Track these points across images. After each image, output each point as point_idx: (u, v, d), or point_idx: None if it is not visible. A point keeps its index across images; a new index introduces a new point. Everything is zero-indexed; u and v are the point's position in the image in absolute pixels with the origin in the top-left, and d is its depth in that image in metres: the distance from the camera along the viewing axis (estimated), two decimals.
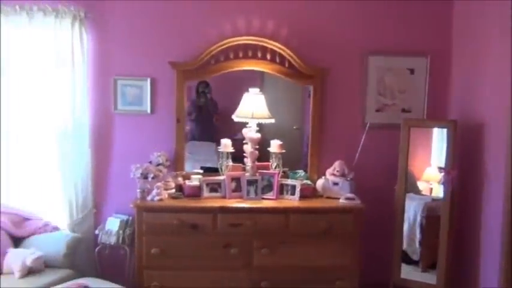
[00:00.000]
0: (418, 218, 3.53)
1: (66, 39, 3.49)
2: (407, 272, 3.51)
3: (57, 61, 3.50)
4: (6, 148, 3.56)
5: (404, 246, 3.54)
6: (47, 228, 3.49)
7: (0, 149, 3.54)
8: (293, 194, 3.44)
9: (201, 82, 3.85)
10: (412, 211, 3.55)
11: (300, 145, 3.95)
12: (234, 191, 3.45)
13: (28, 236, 3.41)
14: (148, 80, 3.65)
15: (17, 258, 3.12)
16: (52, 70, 3.51)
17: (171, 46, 3.62)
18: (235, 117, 3.57)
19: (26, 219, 3.49)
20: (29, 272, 3.10)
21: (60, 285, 2.93)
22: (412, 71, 3.77)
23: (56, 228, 3.53)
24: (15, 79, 3.53)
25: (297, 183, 3.46)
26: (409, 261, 3.55)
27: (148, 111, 3.68)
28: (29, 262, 3.09)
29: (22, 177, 3.65)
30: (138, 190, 3.35)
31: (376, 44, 3.71)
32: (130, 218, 3.50)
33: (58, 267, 3.22)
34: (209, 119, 3.99)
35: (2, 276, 3.08)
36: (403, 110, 3.78)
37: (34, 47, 3.51)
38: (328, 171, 3.58)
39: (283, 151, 3.57)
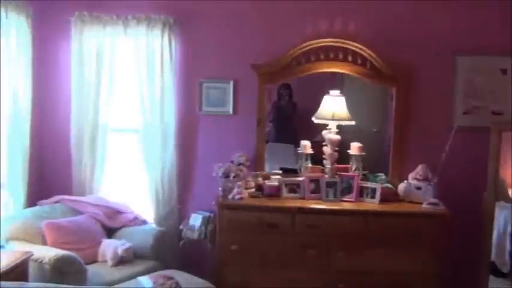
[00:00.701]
0: (509, 228, 3.31)
1: (157, 45, 3.72)
2: (495, 285, 3.30)
3: (148, 65, 3.74)
4: (102, 147, 3.86)
5: (493, 257, 3.34)
6: (136, 221, 3.74)
7: (96, 149, 3.84)
8: (373, 197, 3.39)
9: (283, 84, 3.90)
10: (502, 220, 3.33)
11: (381, 148, 3.87)
12: (312, 192, 3.47)
13: (120, 228, 3.67)
14: (231, 82, 3.78)
15: (110, 247, 3.37)
16: (143, 74, 3.75)
17: (253, 49, 3.73)
18: (315, 119, 3.59)
19: (119, 212, 3.76)
20: (120, 261, 3.33)
21: (147, 275, 3.12)
22: (504, 71, 3.55)
23: (144, 222, 3.78)
24: (112, 82, 3.82)
25: (378, 186, 3.40)
26: (497, 273, 3.34)
27: (231, 112, 3.81)
28: (120, 252, 3.33)
29: (115, 174, 3.95)
30: (220, 188, 3.47)
31: (464, 43, 3.55)
32: (212, 214, 3.63)
33: (145, 258, 3.44)
34: (289, 121, 4.04)
35: (97, 263, 3.34)
36: (494, 113, 3.57)
37: (128, 53, 3.77)
38: (411, 175, 3.48)
39: (363, 153, 3.52)
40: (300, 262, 3.27)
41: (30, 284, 2.21)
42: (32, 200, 3.63)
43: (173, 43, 3.74)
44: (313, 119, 3.61)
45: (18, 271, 2.75)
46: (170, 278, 3.07)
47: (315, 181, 3.48)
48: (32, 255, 2.92)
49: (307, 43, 3.59)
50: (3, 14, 3.25)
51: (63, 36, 3.79)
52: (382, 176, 3.59)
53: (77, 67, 3.77)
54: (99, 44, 3.76)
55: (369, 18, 3.63)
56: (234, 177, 3.48)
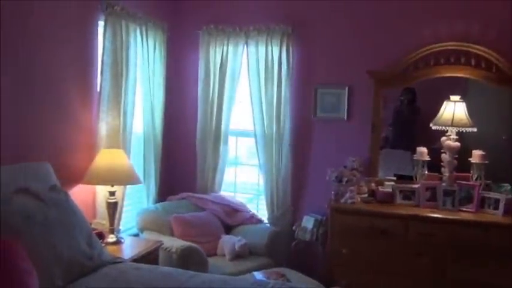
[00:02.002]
0: None
1: (275, 54, 3.92)
2: None
3: (266, 73, 3.95)
4: (223, 150, 4.17)
5: None
6: (252, 220, 3.98)
7: (218, 152, 4.15)
8: (496, 208, 3.19)
9: (406, 88, 3.79)
10: None
11: (509, 156, 3.61)
12: (428, 200, 3.37)
13: (237, 225, 3.93)
14: (346, 88, 3.84)
15: (228, 243, 3.63)
16: (262, 81, 3.97)
17: (368, 55, 3.74)
18: (433, 125, 3.49)
19: (237, 210, 4.02)
20: (237, 256, 3.57)
21: (261, 271, 3.31)
22: None
23: (259, 221, 4.00)
24: (233, 90, 4.11)
25: (502, 197, 3.19)
26: None
27: (345, 117, 3.86)
28: (237, 247, 3.56)
29: (234, 175, 4.24)
30: (333, 192, 3.54)
31: None
32: (324, 218, 3.70)
33: (259, 254, 3.64)
34: (410, 126, 3.93)
35: (216, 257, 3.62)
36: None
37: (249, 62, 4.03)
38: None
39: (486, 162, 3.33)
40: (412, 270, 3.20)
41: (162, 267, 2.51)
42: (162, 196, 4.04)
43: (291, 51, 3.91)
44: (431, 125, 3.50)
45: (151, 257, 3.10)
46: (282, 275, 3.22)
47: (431, 189, 3.38)
48: (162, 244, 3.27)
49: (427, 47, 3.51)
50: (143, 33, 3.70)
51: (192, 49, 4.18)
52: (507, 186, 3.35)
53: (203, 77, 4.13)
54: (223, 55, 4.07)
55: (493, 19, 3.42)
56: (346, 181, 3.52)
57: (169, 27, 4.03)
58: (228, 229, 3.90)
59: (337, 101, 3.89)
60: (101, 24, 3.34)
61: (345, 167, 3.64)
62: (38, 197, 2.20)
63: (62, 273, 2.04)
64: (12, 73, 2.66)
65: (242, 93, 4.16)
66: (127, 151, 3.48)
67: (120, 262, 2.44)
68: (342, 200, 3.48)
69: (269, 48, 3.94)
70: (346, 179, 3.53)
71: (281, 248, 3.78)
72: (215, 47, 4.09)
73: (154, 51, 3.87)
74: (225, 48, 4.08)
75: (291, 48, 3.91)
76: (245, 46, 4.02)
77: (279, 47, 3.91)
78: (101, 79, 3.31)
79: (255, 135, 4.03)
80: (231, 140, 4.27)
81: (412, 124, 3.91)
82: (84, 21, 3.23)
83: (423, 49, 3.52)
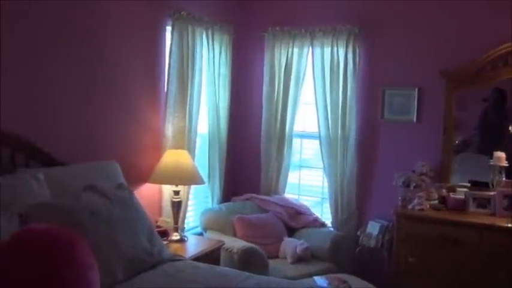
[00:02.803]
0: None
1: (341, 55, 3.83)
2: None
3: (331, 74, 3.87)
4: (287, 152, 4.15)
5: None
6: (315, 223, 3.91)
7: (282, 154, 4.14)
8: None
9: (495, 89, 3.48)
10: None
11: None
12: (505, 209, 3.13)
13: (300, 228, 3.88)
14: (416, 89, 3.66)
15: (290, 245, 3.59)
16: (327, 83, 3.90)
17: (440, 54, 3.55)
18: None
19: (300, 213, 3.98)
20: (298, 259, 3.52)
21: (322, 276, 3.24)
22: None
23: (323, 225, 3.93)
24: (298, 92, 4.08)
25: None
26: None
27: (414, 120, 3.69)
28: (299, 250, 3.52)
29: (298, 177, 4.20)
30: (400, 198, 3.40)
31: None
32: (390, 224, 3.56)
33: (321, 259, 3.57)
34: (498, 130, 3.60)
35: (277, 259, 3.60)
36: None
37: (314, 63, 3.98)
38: None
39: None
40: (485, 284, 2.98)
41: (219, 267, 2.54)
42: (226, 196, 4.10)
43: (357, 52, 3.80)
44: (510, 128, 3.25)
45: (213, 257, 3.15)
46: (344, 282, 3.14)
47: (509, 197, 3.13)
48: (224, 244, 3.31)
49: (505, 45, 3.26)
50: (209, 36, 3.78)
51: (257, 51, 4.20)
52: None
53: (268, 78, 4.13)
54: (288, 56, 4.05)
55: None
56: (415, 187, 3.37)
57: (235, 29, 4.08)
58: (291, 231, 3.87)
59: (406, 103, 3.73)
60: (168, 29, 3.46)
61: (414, 171, 3.48)
62: (105, 194, 2.31)
63: (123, 268, 2.12)
64: (86, 78, 2.83)
65: (307, 95, 4.11)
66: (192, 152, 3.57)
67: (179, 260, 2.49)
68: (410, 206, 3.33)
69: (335, 49, 3.86)
70: (414, 184, 3.37)
71: (344, 254, 3.69)
72: (280, 48, 4.09)
73: (220, 54, 3.94)
74: (290, 49, 4.06)
75: (357, 48, 3.80)
76: (310, 47, 3.98)
77: (344, 48, 3.82)
78: (167, 82, 3.42)
79: (320, 138, 3.97)
80: (296, 142, 4.24)
81: (499, 127, 3.59)
82: (152, 27, 3.36)
83: (501, 47, 3.28)
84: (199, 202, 4.06)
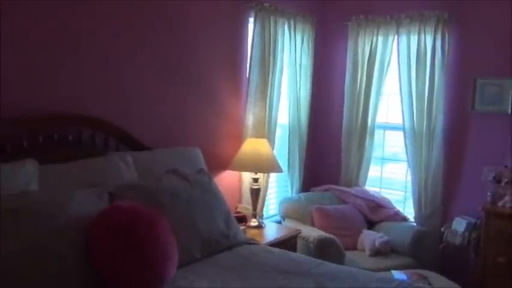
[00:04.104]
0: None
1: (428, 42, 3.66)
2: None
3: (417, 63, 3.72)
4: (369, 144, 4.07)
5: None
6: (396, 217, 3.80)
7: (364, 145, 4.06)
8: None
9: None
10: None
11: None
12: None
13: (379, 221, 3.80)
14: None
15: (369, 238, 3.53)
16: (413, 72, 3.74)
17: None
18: None
19: (380, 206, 3.89)
20: (377, 252, 3.46)
21: (401, 271, 3.15)
22: None
23: (404, 219, 3.80)
24: (381, 81, 3.97)
25: None
26: None
27: (509, 111, 3.43)
28: (377, 244, 3.45)
29: (380, 169, 4.10)
30: (489, 194, 3.20)
31: None
32: (478, 221, 3.36)
33: (402, 254, 3.47)
34: None
35: (355, 251, 3.56)
36: None
37: (399, 52, 3.84)
38: None
39: None
40: None
41: (292, 253, 2.56)
42: (306, 186, 4.12)
43: (446, 39, 3.61)
44: None
45: (289, 244, 3.19)
46: (424, 278, 3.03)
47: None
48: (300, 232, 3.34)
49: None
50: (291, 27, 3.80)
51: (340, 41, 4.15)
52: None
53: (351, 69, 4.07)
54: (372, 46, 3.96)
55: None
56: (506, 182, 3.15)
57: (317, 20, 4.06)
58: (370, 224, 3.80)
59: (499, 93, 3.48)
60: (250, 20, 3.54)
61: (506, 166, 3.25)
62: (185, 178, 2.45)
63: (200, 248, 2.24)
64: (171, 69, 3.00)
65: (391, 85, 3.99)
66: (271, 141, 3.64)
67: (254, 244, 2.57)
68: (500, 203, 3.13)
69: (422, 36, 3.70)
70: (506, 179, 3.16)
71: (427, 250, 3.54)
72: (364, 37, 4.00)
73: (301, 45, 3.95)
74: (374, 38, 3.96)
75: (446, 35, 3.61)
76: (396, 35, 3.85)
77: (433, 35, 3.64)
78: (249, 72, 3.51)
79: (404, 129, 3.83)
80: (378, 133, 4.14)
81: None
82: (235, 18, 3.46)
83: None
84: (280, 191, 4.12)
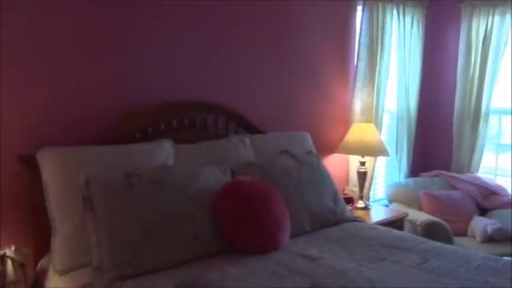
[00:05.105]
0: None
1: None
2: None
3: None
4: (483, 129, 3.96)
5: None
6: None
7: (477, 131, 3.95)
8: None
9: None
10: None
11: None
12: None
13: (493, 209, 3.70)
14: None
15: (480, 224, 3.47)
16: None
17: None
18: None
19: (494, 193, 3.78)
20: (489, 239, 3.39)
21: None
22: None
23: None
24: (497, 65, 3.84)
25: None
26: None
27: None
28: (489, 230, 3.38)
29: (494, 155, 3.96)
30: None
31: None
32: None
33: None
34: None
35: (465, 237, 3.52)
36: None
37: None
38: None
39: None
40: None
41: (396, 230, 2.64)
42: (414, 171, 4.13)
43: None
44: None
45: (396, 226, 3.24)
46: None
47: None
48: (407, 215, 3.41)
49: None
50: (400, 12, 3.82)
51: (452, 23, 4.07)
52: None
53: (464, 52, 3.97)
54: (487, 27, 3.83)
55: None
56: None
57: (428, 3, 4.01)
58: (482, 211, 3.72)
59: None
60: (358, 8, 3.65)
61: None
62: (296, 158, 2.68)
63: (310, 221, 2.46)
64: (282, 57, 3.25)
65: (508, 67, 3.83)
66: (378, 126, 3.72)
67: (359, 221, 2.73)
68: None
69: None
70: None
71: None
72: (478, 19, 3.88)
73: (411, 30, 3.95)
74: (489, 19, 3.82)
75: None
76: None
77: None
78: (357, 59, 3.63)
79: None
80: (493, 118, 4.00)
81: None
82: (343, 6, 3.59)
83: None
84: (389, 176, 4.18)
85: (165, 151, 2.39)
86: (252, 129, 2.97)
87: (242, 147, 2.71)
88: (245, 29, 3.02)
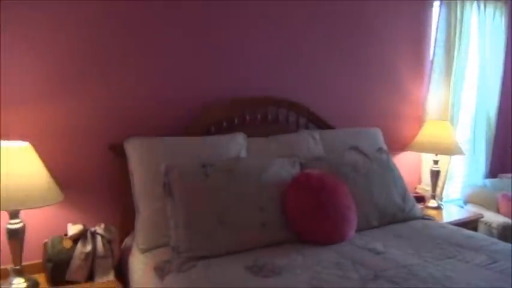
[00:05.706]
0: None
1: None
2: None
3: None
4: None
5: None
6: None
7: None
8: None
9: None
10: None
11: None
12: None
13: None
14: None
15: None
16: None
17: None
18: None
19: None
20: None
21: None
22: None
23: None
24: None
25: None
26: None
27: None
28: None
29: None
30: None
31: None
32: None
33: None
34: None
35: None
36: None
37: None
38: None
39: None
40: None
41: (467, 230, 2.57)
42: (493, 173, 3.97)
43: None
44: None
45: (470, 228, 3.13)
46: None
47: None
48: (482, 217, 3.30)
49: None
50: (480, 7, 3.69)
51: None
52: None
53: None
54: None
55: None
56: None
57: None
58: None
59: None
60: (435, 4, 3.57)
61: None
62: (365, 154, 2.71)
63: (377, 217, 2.49)
64: (354, 53, 3.27)
65: None
66: (454, 124, 3.63)
67: (429, 219, 2.71)
68: None
69: None
70: None
71: None
72: None
73: (492, 26, 3.79)
74: None
75: None
76: None
77: None
78: (433, 56, 3.56)
79: None
80: None
81: None
82: (420, 3, 3.53)
83: None
84: (463, 176, 4.05)
85: (238, 143, 2.53)
86: (321, 124, 3.03)
87: (312, 142, 2.79)
88: (319, 27, 3.08)
